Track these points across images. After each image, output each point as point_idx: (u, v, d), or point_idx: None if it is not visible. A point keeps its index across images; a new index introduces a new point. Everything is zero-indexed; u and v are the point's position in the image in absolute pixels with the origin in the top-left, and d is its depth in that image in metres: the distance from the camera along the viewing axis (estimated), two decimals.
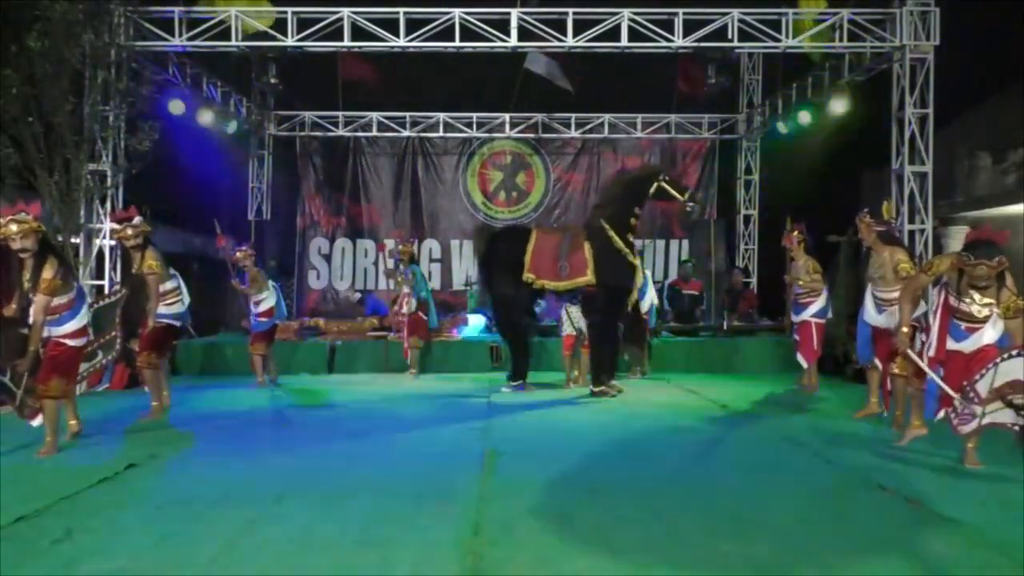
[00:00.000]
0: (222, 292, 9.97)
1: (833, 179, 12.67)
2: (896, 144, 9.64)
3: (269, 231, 13.11)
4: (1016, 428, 4.68)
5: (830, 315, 8.21)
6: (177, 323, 7.04)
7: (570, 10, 9.50)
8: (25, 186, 8.69)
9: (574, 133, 13.50)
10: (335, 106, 13.06)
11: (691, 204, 8.25)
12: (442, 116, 13.40)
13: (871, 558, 3.40)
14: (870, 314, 6.39)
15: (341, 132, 13.45)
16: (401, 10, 9.46)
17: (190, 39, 9.50)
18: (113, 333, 6.12)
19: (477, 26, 9.50)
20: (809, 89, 11.38)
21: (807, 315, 8.08)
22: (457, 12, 9.42)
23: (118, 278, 9.25)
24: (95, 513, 3.99)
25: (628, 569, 3.30)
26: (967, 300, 4.81)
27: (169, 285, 6.81)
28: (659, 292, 10.84)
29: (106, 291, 9.07)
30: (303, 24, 9.53)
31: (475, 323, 11.21)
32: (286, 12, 9.50)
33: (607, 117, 13.42)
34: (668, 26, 9.52)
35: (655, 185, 8.03)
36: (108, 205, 9.25)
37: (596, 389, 7.97)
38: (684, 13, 9.47)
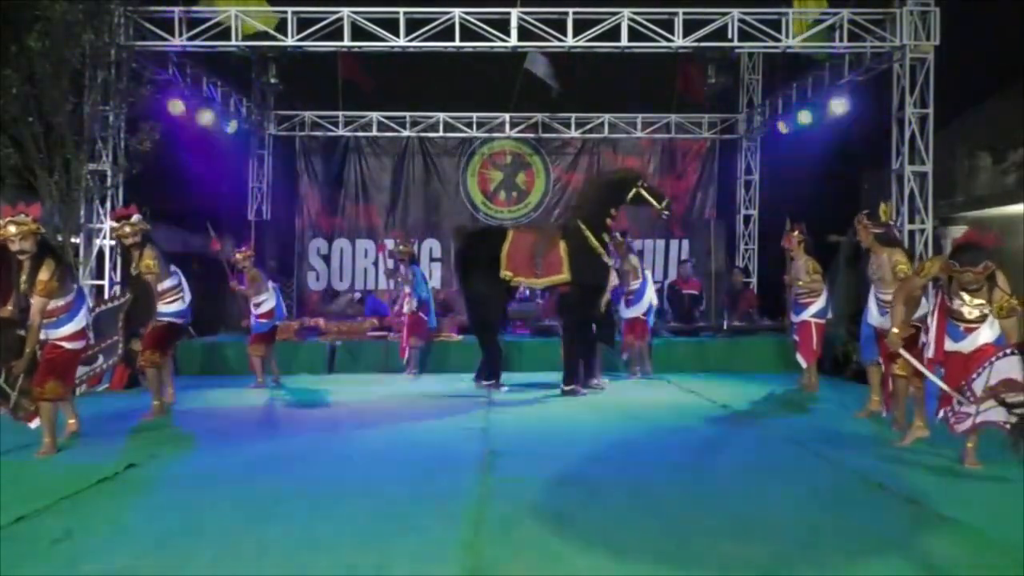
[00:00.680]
0: (222, 292, 9.96)
1: (833, 179, 12.67)
2: (896, 144, 9.63)
3: (269, 231, 13.10)
4: (1008, 426, 4.68)
5: (830, 315, 8.21)
6: (179, 321, 7.04)
7: (570, 10, 9.50)
8: (25, 186, 8.69)
9: (574, 133, 13.49)
10: (335, 106, 13.05)
11: (666, 213, 8.26)
12: (442, 116, 13.40)
13: (871, 558, 3.40)
14: (873, 315, 6.40)
15: (341, 132, 13.45)
16: (401, 10, 9.46)
17: (190, 39, 9.50)
18: (115, 337, 6.12)
19: (477, 26, 9.50)
20: (809, 89, 11.39)
21: (807, 315, 8.08)
22: (457, 12, 9.42)
23: (118, 278, 9.26)
24: (95, 513, 4.00)
25: (628, 569, 3.30)
26: (957, 302, 4.84)
27: (169, 283, 6.81)
28: (659, 292, 10.84)
29: (106, 291, 9.08)
30: (303, 24, 9.52)
31: None
32: (286, 12, 9.50)
33: (607, 117, 13.41)
34: (668, 26, 9.51)
35: (633, 191, 8.06)
36: (108, 205, 9.25)
37: (566, 388, 8.01)
38: (684, 13, 9.46)
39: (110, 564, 3.29)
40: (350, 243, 13.61)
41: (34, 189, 8.66)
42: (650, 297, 9.41)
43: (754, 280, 13.27)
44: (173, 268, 6.96)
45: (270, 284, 8.78)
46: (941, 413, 4.99)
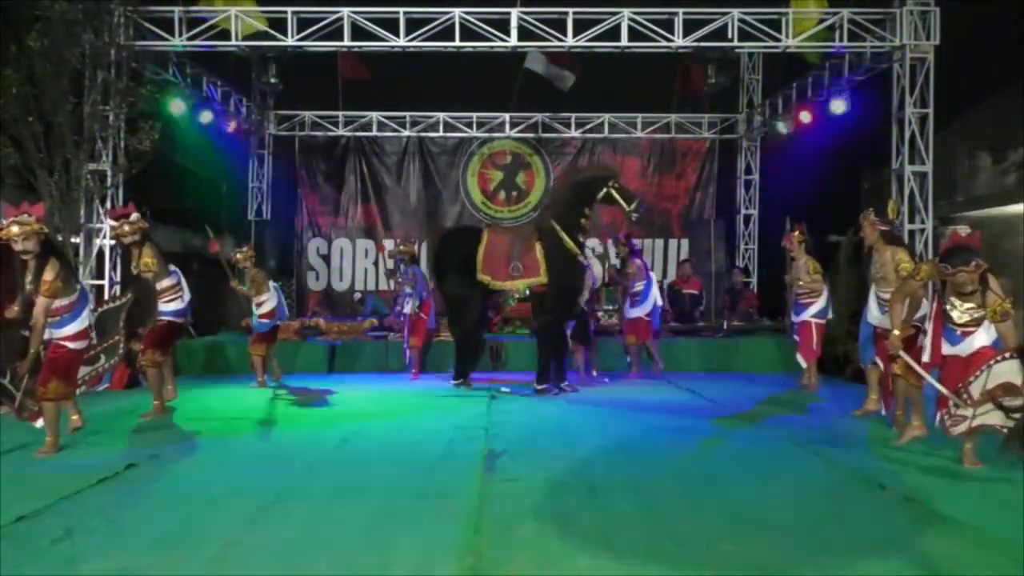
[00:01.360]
0: (222, 292, 9.97)
1: (833, 179, 12.67)
2: (896, 144, 9.64)
3: (269, 231, 13.10)
4: (1004, 430, 4.67)
5: (830, 315, 8.21)
6: (178, 320, 7.04)
7: (570, 10, 9.50)
8: (25, 186, 8.69)
9: (574, 133, 13.50)
10: (335, 106, 13.05)
11: (635, 215, 8.17)
12: (442, 116, 13.40)
13: (871, 558, 3.40)
14: (873, 314, 6.40)
15: (341, 132, 13.44)
16: (401, 10, 9.46)
17: (190, 39, 9.50)
18: (116, 337, 6.13)
19: (477, 26, 9.51)
20: (809, 89, 11.38)
21: (807, 315, 8.08)
22: (457, 12, 9.42)
23: (118, 277, 9.26)
24: (95, 513, 3.99)
25: (628, 569, 3.30)
26: (949, 306, 4.83)
27: (168, 282, 6.80)
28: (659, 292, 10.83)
29: (106, 291, 9.08)
30: (303, 24, 9.53)
31: None
32: (286, 12, 9.50)
33: (607, 117, 13.41)
34: (668, 26, 9.52)
35: (604, 191, 7.99)
36: (108, 205, 9.25)
37: (539, 387, 8.02)
38: (684, 13, 9.47)
39: (110, 564, 3.29)
40: (350, 243, 13.60)
41: (34, 189, 8.66)
42: (655, 297, 9.42)
43: (754, 280, 13.27)
44: (172, 267, 6.96)
45: (271, 284, 8.78)
46: (938, 416, 4.99)
